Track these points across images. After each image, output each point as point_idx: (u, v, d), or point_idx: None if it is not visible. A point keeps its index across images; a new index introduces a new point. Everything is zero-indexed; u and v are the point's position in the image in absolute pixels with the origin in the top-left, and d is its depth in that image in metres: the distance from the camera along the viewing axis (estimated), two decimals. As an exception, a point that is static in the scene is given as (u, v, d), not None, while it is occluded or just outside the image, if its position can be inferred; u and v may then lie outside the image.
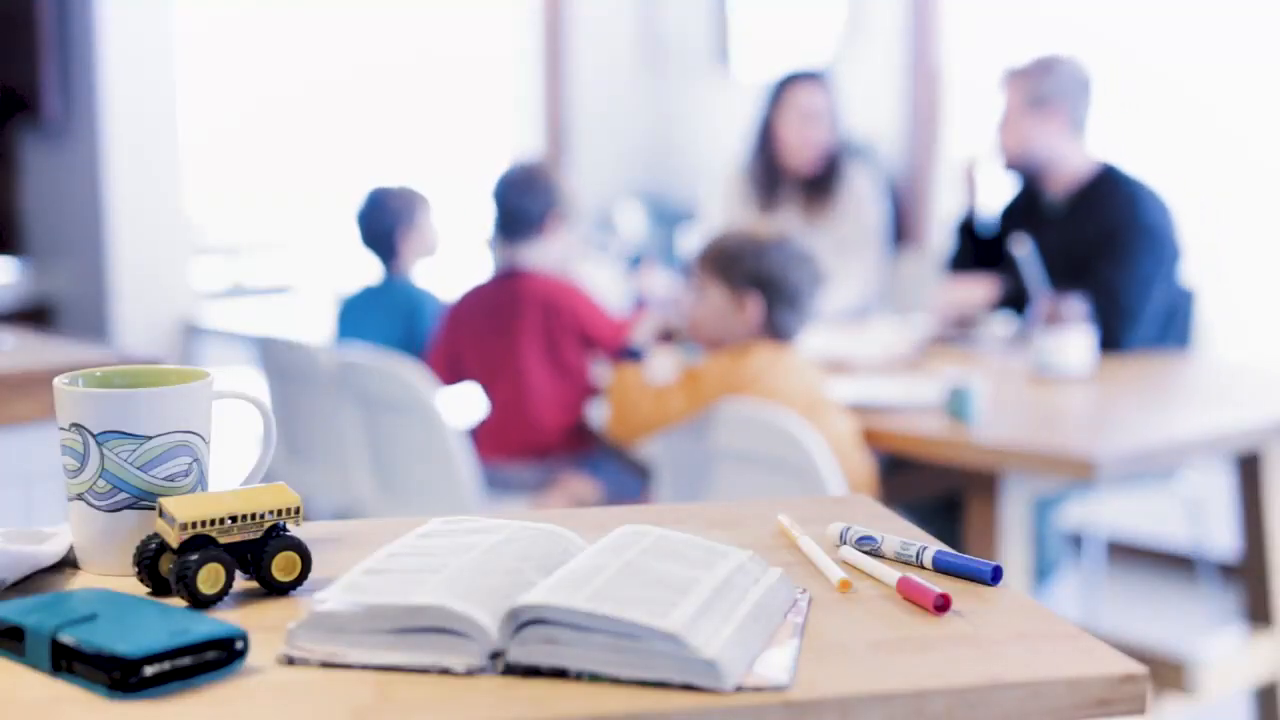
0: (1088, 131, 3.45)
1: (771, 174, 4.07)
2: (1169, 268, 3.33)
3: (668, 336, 3.07)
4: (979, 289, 3.47)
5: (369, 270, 3.73)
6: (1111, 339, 3.22)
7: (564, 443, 3.28)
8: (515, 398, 3.27)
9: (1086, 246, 3.33)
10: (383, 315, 3.64)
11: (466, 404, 3.40)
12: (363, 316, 3.66)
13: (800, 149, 4.01)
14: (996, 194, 3.72)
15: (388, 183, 3.77)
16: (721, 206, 4.19)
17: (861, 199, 4.06)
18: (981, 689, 0.87)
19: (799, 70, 4.10)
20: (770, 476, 2.54)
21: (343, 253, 3.81)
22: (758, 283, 2.71)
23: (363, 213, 3.69)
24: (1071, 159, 3.43)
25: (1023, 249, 3.22)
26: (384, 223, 3.65)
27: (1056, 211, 3.46)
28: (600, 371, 3.26)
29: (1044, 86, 3.42)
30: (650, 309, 3.49)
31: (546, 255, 3.35)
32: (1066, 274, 3.30)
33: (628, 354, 3.01)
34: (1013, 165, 3.50)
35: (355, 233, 3.71)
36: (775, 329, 2.72)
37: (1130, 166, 3.45)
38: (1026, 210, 3.56)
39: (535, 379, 3.25)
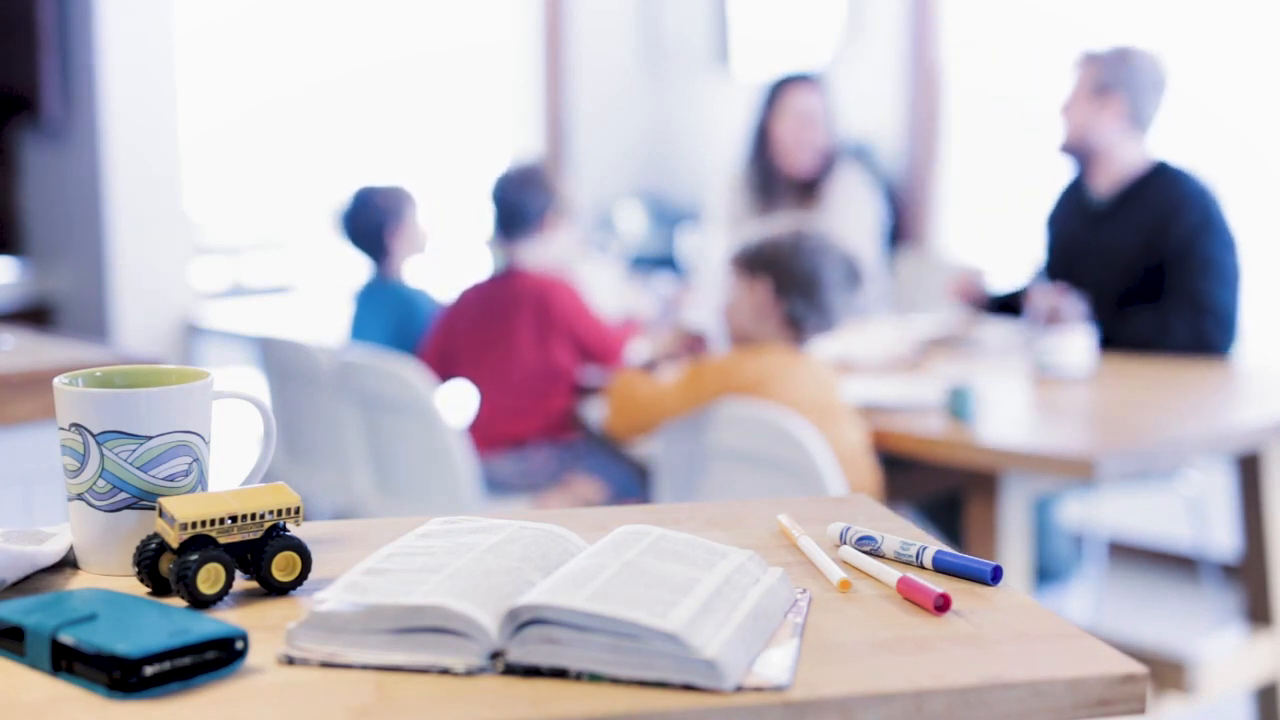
0: (1150, 129, 3.41)
1: (768, 176, 4.08)
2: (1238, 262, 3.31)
3: (696, 345, 3.01)
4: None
5: (362, 269, 3.74)
6: (1210, 346, 3.22)
7: (547, 440, 3.28)
8: (504, 394, 3.28)
9: (1141, 243, 3.30)
10: (376, 314, 3.65)
11: (459, 401, 3.41)
12: (363, 313, 3.68)
13: (797, 151, 4.01)
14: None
15: (374, 182, 3.76)
16: (725, 211, 4.20)
17: (852, 197, 4.06)
18: (981, 689, 0.87)
19: (793, 73, 4.11)
20: (770, 476, 2.54)
21: (343, 252, 3.81)
22: (765, 265, 2.69)
23: (349, 213, 3.67)
24: (1126, 152, 3.40)
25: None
26: (372, 222, 3.64)
27: (1103, 206, 3.43)
28: (594, 373, 3.27)
29: (1110, 74, 3.38)
30: (670, 324, 3.48)
31: (545, 253, 3.36)
32: (1112, 269, 3.27)
33: (646, 367, 2.98)
34: (1069, 148, 3.45)
35: (341, 233, 3.70)
36: (790, 320, 2.68)
37: (1181, 161, 3.42)
38: (1072, 206, 3.52)
39: (525, 376, 3.26)
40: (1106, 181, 3.42)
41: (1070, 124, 3.41)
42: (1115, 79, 3.37)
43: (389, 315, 3.62)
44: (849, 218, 4.03)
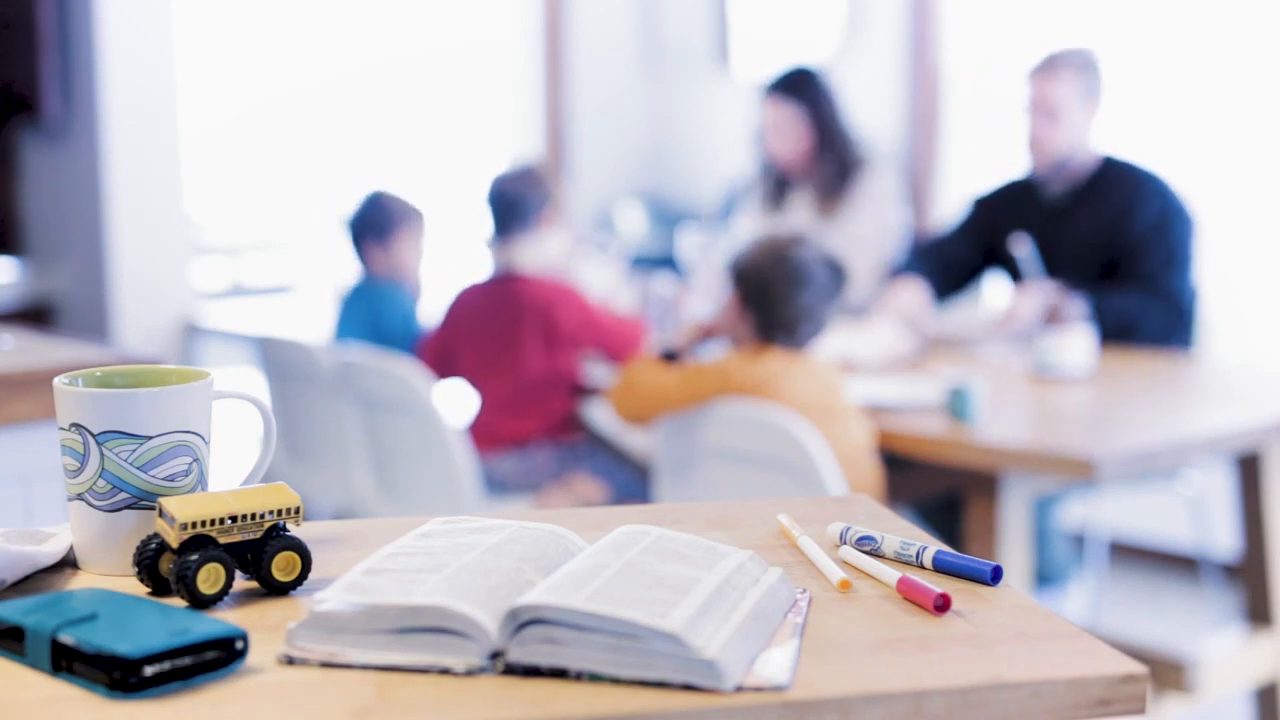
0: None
1: (773, 176, 4.14)
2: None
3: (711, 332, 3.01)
4: (1040, 299, 3.26)
5: (352, 268, 3.77)
6: (1177, 343, 3.27)
7: (549, 440, 3.29)
8: (508, 396, 3.28)
9: (1103, 238, 3.32)
10: (355, 313, 3.68)
11: (460, 400, 3.41)
12: (345, 312, 3.70)
13: (777, 157, 4.07)
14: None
15: (391, 189, 3.78)
16: (746, 208, 4.28)
17: (881, 200, 4.05)
18: (981, 689, 0.87)
19: (770, 80, 4.11)
20: (770, 476, 2.54)
21: (343, 252, 3.83)
22: (735, 274, 2.73)
23: (359, 212, 3.70)
24: (1088, 150, 3.40)
25: (1022, 248, 3.22)
26: (378, 227, 3.66)
27: (1059, 204, 3.43)
28: (597, 374, 3.26)
29: (1092, 78, 3.35)
30: (674, 324, 3.49)
31: (542, 252, 3.36)
32: (1077, 263, 3.28)
33: (667, 356, 2.96)
34: (1054, 163, 3.38)
35: (345, 229, 3.72)
36: (755, 329, 2.69)
37: (1127, 154, 3.44)
38: (1021, 203, 3.51)
39: (530, 380, 3.26)
40: (1060, 180, 3.42)
41: (1060, 137, 3.35)
42: (1094, 82, 3.36)
43: (366, 312, 3.64)
44: (871, 224, 4.03)
